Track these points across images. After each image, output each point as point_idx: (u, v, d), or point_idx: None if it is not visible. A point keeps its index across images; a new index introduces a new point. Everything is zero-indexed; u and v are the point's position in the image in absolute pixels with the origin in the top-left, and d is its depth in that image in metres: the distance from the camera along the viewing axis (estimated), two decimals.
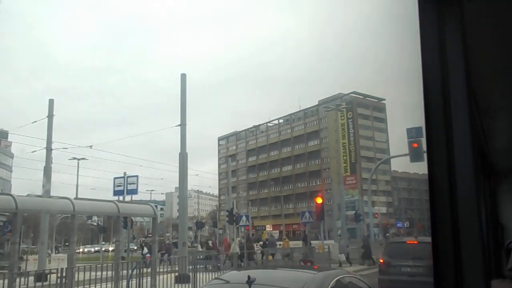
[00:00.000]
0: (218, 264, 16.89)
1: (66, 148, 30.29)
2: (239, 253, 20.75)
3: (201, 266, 15.96)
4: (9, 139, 62.23)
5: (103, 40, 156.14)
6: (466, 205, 1.20)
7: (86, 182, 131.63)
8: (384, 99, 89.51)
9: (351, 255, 27.79)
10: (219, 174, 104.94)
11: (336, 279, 4.70)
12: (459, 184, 1.20)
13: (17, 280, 9.92)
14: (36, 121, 23.82)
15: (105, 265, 13.06)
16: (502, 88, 1.85)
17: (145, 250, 27.45)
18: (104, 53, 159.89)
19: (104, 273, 12.08)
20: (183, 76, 20.11)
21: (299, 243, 36.02)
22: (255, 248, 26.74)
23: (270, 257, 21.96)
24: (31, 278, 11.33)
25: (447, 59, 1.25)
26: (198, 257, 17.23)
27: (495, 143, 2.56)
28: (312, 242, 29.50)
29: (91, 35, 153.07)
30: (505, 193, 3.24)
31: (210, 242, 32.86)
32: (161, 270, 14.87)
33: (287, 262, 21.89)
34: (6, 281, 9.71)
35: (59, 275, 10.58)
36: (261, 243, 31.90)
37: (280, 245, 31.35)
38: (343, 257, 24.04)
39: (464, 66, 1.26)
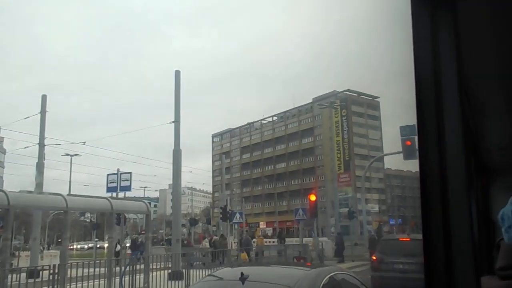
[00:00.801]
0: (191, 262, 16.86)
1: (59, 144, 30.13)
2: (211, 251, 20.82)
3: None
4: (1, 135, 61.70)
5: (96, 35, 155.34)
6: (458, 202, 1.21)
7: (79, 179, 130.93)
8: (378, 97, 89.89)
9: (344, 252, 28.04)
10: (213, 171, 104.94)
11: (329, 276, 4.72)
12: (451, 181, 1.21)
13: (9, 276, 9.86)
14: (28, 117, 23.68)
15: (98, 261, 13.02)
16: (495, 86, 1.87)
17: (118, 247, 26.38)
18: (97, 48, 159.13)
19: (97, 269, 12.05)
20: (177, 73, 20.08)
21: (292, 240, 36.17)
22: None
23: (246, 255, 21.73)
24: (23, 275, 11.28)
25: (440, 58, 1.26)
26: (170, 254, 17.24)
27: (487, 141, 2.57)
28: (305, 239, 29.65)
29: (85, 30, 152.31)
30: (497, 191, 3.27)
31: (184, 239, 32.68)
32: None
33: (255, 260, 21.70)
34: None
35: (51, 271, 10.52)
36: (235, 240, 31.88)
37: (254, 242, 31.44)
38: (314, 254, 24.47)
39: (457, 64, 1.27)
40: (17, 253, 24.10)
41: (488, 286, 1.38)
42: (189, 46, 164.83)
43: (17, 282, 9.99)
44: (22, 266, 15.04)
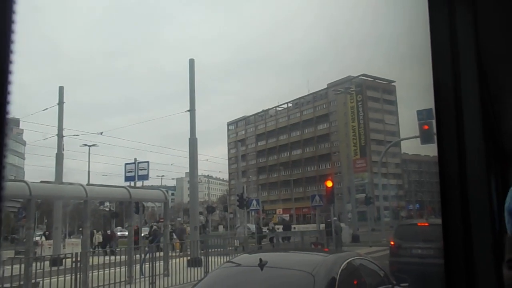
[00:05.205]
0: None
1: (77, 135, 30.60)
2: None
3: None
4: (20, 127, 62.83)
5: (112, 24, 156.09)
6: (477, 187, 1.20)
7: (97, 168, 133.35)
8: (394, 81, 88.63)
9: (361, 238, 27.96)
10: (229, 159, 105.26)
11: (347, 261, 4.74)
12: (470, 166, 1.19)
13: (33, 264, 10.14)
14: (46, 109, 24.04)
15: (119, 249, 13.27)
16: None
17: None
18: (113, 37, 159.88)
19: (118, 257, 12.30)
20: (191, 62, 20.12)
21: (308, 226, 36.23)
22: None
23: (178, 244, 22.52)
24: (47, 263, 11.58)
25: (457, 40, 1.24)
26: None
27: (506, 126, 2.53)
28: (322, 225, 29.66)
29: (100, 20, 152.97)
30: None
31: (108, 231, 33.00)
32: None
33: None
34: (23, 265, 9.94)
35: (74, 259, 10.78)
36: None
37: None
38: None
39: (474, 47, 1.25)
40: (40, 241, 24.66)
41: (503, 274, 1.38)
42: (204, 33, 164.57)
43: (41, 270, 10.25)
44: (46, 255, 15.42)
